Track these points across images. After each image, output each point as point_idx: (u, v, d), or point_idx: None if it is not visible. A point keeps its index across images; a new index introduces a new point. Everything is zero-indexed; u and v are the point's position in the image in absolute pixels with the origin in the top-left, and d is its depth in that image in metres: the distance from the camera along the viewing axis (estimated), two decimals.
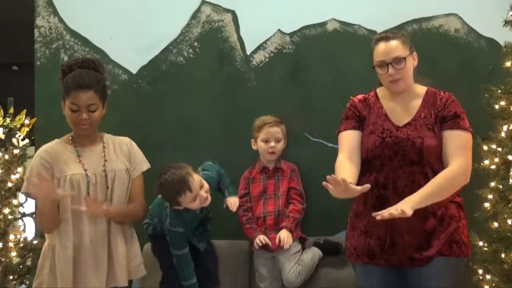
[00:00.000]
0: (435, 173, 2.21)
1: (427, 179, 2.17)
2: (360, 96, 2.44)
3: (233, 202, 2.79)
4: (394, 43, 2.29)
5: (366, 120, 2.36)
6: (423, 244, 2.20)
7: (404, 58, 2.27)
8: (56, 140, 2.45)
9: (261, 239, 2.75)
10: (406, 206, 2.02)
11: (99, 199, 2.33)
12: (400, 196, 2.16)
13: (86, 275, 2.31)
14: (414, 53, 2.35)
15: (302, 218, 2.88)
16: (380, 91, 2.42)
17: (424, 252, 2.19)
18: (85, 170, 2.36)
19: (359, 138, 2.35)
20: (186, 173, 2.50)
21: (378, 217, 2.03)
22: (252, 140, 2.94)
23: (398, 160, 2.22)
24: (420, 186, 2.15)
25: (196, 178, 2.53)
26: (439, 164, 2.23)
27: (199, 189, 2.52)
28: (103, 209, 2.28)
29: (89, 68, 2.37)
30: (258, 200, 2.88)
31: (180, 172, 2.50)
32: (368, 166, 2.29)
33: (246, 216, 2.85)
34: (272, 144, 2.85)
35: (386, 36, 2.33)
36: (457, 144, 2.22)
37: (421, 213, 2.18)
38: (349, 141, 2.34)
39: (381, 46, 2.31)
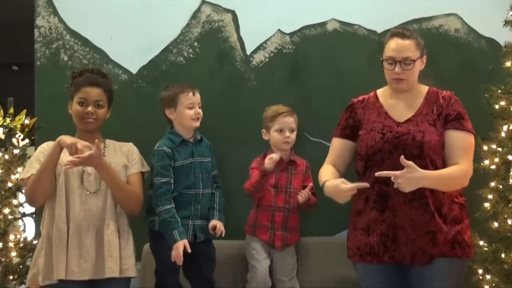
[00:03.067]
0: (436, 167, 2.23)
1: None
2: (360, 98, 2.46)
3: (218, 226, 2.65)
4: (407, 42, 2.29)
5: (363, 119, 2.37)
6: (427, 241, 2.20)
7: (414, 61, 2.27)
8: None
9: (271, 156, 2.69)
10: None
11: (92, 189, 2.43)
12: (401, 191, 2.16)
13: (68, 263, 2.35)
14: (424, 56, 2.36)
15: (300, 218, 2.88)
16: (379, 92, 2.44)
17: (427, 249, 2.19)
18: None
19: (347, 147, 2.43)
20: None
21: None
22: (264, 130, 2.91)
23: (398, 155, 2.18)
24: None
25: (199, 96, 2.72)
26: (439, 159, 2.25)
27: (198, 103, 2.70)
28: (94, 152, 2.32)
29: (98, 75, 2.56)
30: (270, 189, 2.81)
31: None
32: (368, 162, 2.31)
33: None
34: (287, 134, 2.82)
35: (403, 33, 2.32)
36: (464, 146, 2.25)
37: (425, 210, 2.20)
38: (335, 151, 2.46)
39: (395, 42, 2.30)
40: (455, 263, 2.22)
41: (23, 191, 2.59)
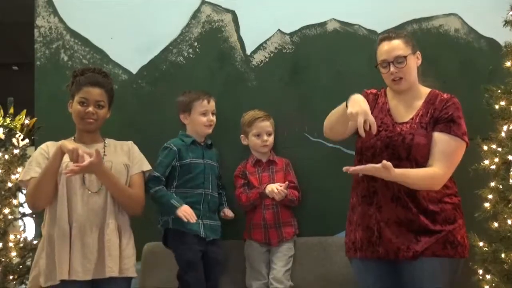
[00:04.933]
0: None
1: None
2: (373, 90, 2.50)
3: (229, 213, 2.85)
4: (396, 42, 2.34)
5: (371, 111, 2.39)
6: (411, 238, 2.22)
7: (405, 57, 2.31)
8: (60, 140, 2.52)
9: (272, 186, 2.74)
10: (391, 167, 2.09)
11: (94, 189, 2.41)
12: (388, 188, 2.23)
13: (72, 263, 2.34)
14: (418, 52, 2.40)
15: (300, 218, 2.90)
16: (388, 89, 2.47)
17: (411, 245, 2.20)
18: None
19: None
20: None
21: (350, 171, 2.14)
22: (242, 135, 2.96)
23: (387, 154, 2.27)
24: None
25: (213, 104, 2.84)
26: (426, 162, 2.26)
27: (212, 111, 2.83)
28: (94, 160, 2.30)
29: (100, 74, 2.55)
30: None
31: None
32: (361, 156, 2.37)
33: (244, 192, 2.85)
34: (265, 138, 2.89)
35: (389, 36, 2.38)
36: (445, 150, 2.25)
37: (408, 209, 2.21)
38: None
39: (384, 46, 2.36)
40: (447, 263, 2.22)
41: (24, 192, 2.58)
